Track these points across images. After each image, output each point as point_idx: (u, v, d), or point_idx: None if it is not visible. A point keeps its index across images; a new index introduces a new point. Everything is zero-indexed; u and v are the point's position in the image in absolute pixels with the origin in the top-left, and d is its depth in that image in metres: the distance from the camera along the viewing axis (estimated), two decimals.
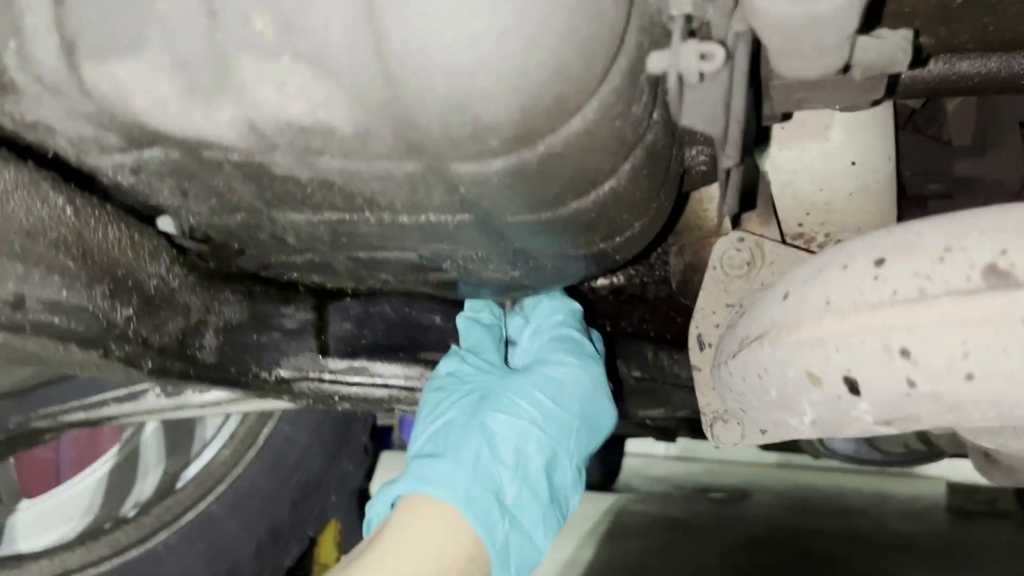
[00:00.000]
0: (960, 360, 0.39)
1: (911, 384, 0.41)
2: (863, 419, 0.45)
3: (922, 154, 1.03)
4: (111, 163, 0.47)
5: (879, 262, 0.43)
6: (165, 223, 1.21)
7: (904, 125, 1.05)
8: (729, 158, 0.44)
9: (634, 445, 5.68)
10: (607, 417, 0.68)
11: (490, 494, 0.59)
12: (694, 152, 0.64)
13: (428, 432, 0.64)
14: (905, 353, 0.40)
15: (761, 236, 0.73)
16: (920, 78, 0.73)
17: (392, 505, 0.61)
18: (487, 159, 0.42)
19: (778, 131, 0.85)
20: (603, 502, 4.31)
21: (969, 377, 0.39)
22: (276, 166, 0.45)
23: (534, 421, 0.62)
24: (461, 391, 0.66)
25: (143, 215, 0.69)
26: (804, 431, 0.52)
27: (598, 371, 0.67)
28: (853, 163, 0.85)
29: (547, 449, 0.62)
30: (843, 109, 0.65)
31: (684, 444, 6.18)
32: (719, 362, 0.61)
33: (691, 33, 0.42)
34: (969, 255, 0.40)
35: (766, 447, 3.76)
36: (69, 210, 0.56)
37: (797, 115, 0.84)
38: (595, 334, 0.75)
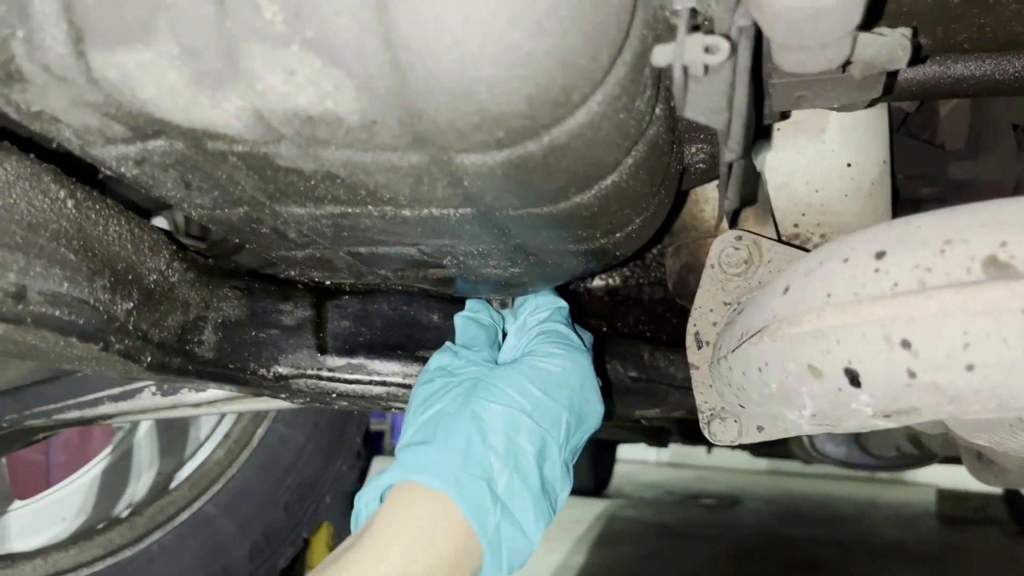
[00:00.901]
0: (961, 351, 0.39)
1: (912, 375, 0.41)
2: (862, 412, 0.46)
3: (916, 157, 1.04)
4: (115, 154, 0.47)
5: (880, 255, 0.43)
6: (160, 221, 1.21)
7: (898, 129, 1.06)
8: (732, 152, 0.44)
9: (626, 451, 5.69)
10: (594, 411, 0.68)
11: (482, 482, 0.58)
12: (693, 150, 0.64)
13: (418, 423, 0.64)
14: (906, 344, 0.41)
15: (759, 235, 0.73)
16: (915, 80, 0.74)
17: (382, 496, 0.61)
18: (492, 150, 0.42)
19: (774, 133, 0.85)
20: (595, 508, 4.31)
21: (969, 368, 0.39)
22: (280, 158, 0.45)
23: (524, 410, 0.62)
24: (452, 383, 0.66)
25: (141, 209, 0.69)
26: (803, 425, 0.52)
27: (586, 364, 0.67)
28: (848, 164, 0.85)
29: (537, 439, 0.62)
30: (841, 109, 0.66)
31: (676, 450, 6.20)
32: (718, 357, 0.61)
33: (695, 28, 0.42)
34: (969, 247, 0.40)
35: (757, 452, 3.77)
36: (70, 203, 0.56)
37: (793, 117, 0.85)
38: (583, 331, 0.76)
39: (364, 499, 0.61)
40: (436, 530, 0.57)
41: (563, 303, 0.75)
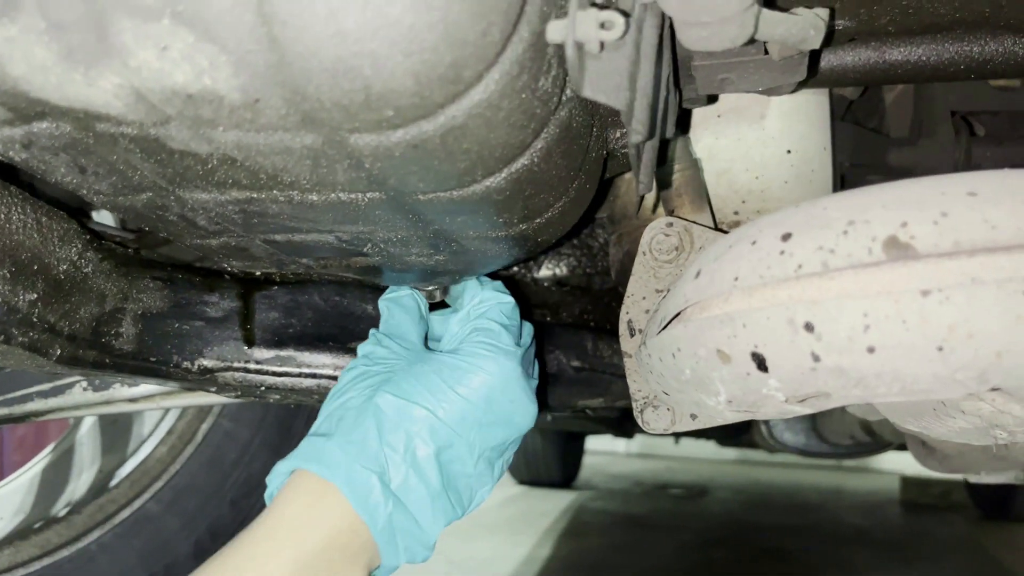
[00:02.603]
0: (862, 333, 0.39)
1: (816, 359, 0.40)
2: (775, 396, 0.45)
3: (858, 145, 1.04)
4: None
5: (786, 237, 0.43)
6: (103, 215, 1.18)
7: (843, 117, 1.06)
8: (637, 133, 0.43)
9: (594, 443, 5.69)
10: (521, 411, 0.67)
11: (373, 476, 0.60)
12: (618, 135, 0.63)
13: (327, 412, 0.66)
14: (809, 327, 0.40)
15: (690, 221, 0.72)
16: (851, 66, 0.73)
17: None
18: (386, 130, 0.40)
19: (714, 120, 0.85)
20: (562, 500, 4.31)
21: (871, 350, 0.39)
22: (172, 140, 0.43)
23: (429, 407, 0.63)
24: (368, 373, 0.67)
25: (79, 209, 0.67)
26: (722, 411, 0.51)
27: (510, 365, 0.66)
28: (789, 151, 0.85)
29: (441, 436, 0.63)
30: (768, 92, 0.65)
31: (644, 441, 6.22)
32: (640, 344, 0.60)
33: (593, 3, 0.41)
34: (871, 228, 0.40)
35: (724, 442, 3.78)
36: None
37: (733, 104, 0.84)
38: (526, 327, 0.74)
39: (272, 484, 0.64)
40: (326, 517, 0.59)
41: (507, 299, 0.73)
